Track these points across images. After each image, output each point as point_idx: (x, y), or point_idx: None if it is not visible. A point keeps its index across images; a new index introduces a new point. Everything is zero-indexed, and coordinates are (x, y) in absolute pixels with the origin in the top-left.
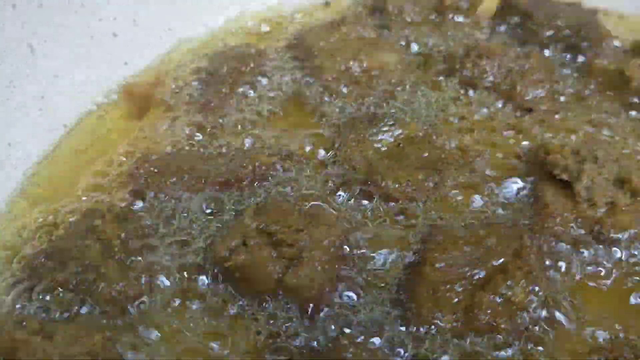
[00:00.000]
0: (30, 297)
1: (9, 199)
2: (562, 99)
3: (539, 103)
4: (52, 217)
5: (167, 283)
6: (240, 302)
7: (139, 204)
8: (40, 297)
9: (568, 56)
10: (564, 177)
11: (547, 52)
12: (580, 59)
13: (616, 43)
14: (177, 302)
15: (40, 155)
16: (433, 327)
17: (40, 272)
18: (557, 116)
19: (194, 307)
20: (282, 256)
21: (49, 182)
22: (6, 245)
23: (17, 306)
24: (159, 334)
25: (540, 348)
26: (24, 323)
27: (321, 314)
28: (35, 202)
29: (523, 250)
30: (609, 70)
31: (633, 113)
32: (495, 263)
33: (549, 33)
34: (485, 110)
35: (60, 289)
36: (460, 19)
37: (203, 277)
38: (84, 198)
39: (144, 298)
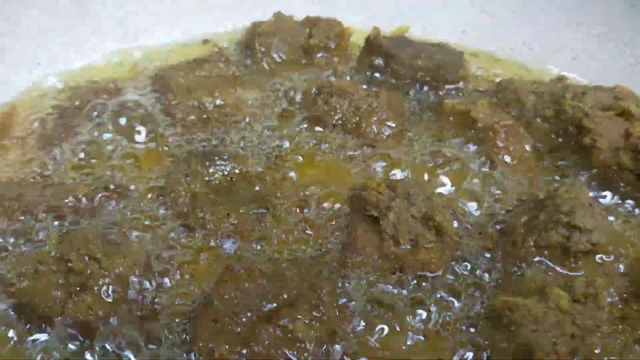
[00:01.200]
0: None
1: None
2: (409, 135)
3: (384, 140)
4: None
5: None
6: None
7: None
8: None
9: (423, 96)
10: (374, 213)
11: (411, 92)
12: (434, 98)
13: (477, 85)
14: None
15: None
16: None
17: None
18: (398, 154)
19: None
20: (69, 283)
21: None
22: None
23: None
24: None
25: None
26: None
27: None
28: None
29: (316, 285)
30: (457, 110)
31: (476, 151)
32: (286, 296)
33: (409, 73)
34: (326, 145)
35: None
36: (326, 60)
37: None
38: None
39: None
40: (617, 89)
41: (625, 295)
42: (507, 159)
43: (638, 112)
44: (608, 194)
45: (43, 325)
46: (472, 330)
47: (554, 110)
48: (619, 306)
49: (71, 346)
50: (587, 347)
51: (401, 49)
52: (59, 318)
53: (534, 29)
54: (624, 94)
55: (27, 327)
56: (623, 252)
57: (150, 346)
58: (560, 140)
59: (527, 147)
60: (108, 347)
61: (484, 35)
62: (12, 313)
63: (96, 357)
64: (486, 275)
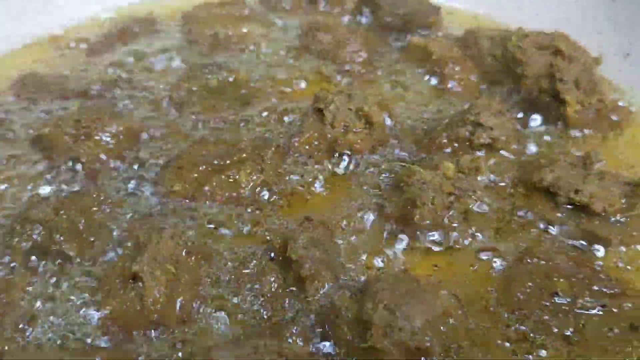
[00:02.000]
0: None
1: None
2: (375, 64)
3: (356, 66)
4: None
5: None
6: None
7: None
8: None
9: (396, 36)
10: (321, 105)
11: (390, 35)
12: (406, 40)
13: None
14: None
15: None
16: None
17: None
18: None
19: None
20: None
21: None
22: None
23: None
24: None
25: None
26: None
27: None
28: None
29: (264, 153)
30: (417, 44)
31: (432, 80)
32: (236, 158)
33: (389, 19)
34: (307, 67)
35: None
36: (327, 8)
37: None
38: None
39: None
40: (556, 33)
41: (515, 180)
42: (453, 84)
43: (567, 51)
44: (537, 117)
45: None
46: (379, 192)
47: (501, 50)
48: (509, 189)
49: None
50: (462, 204)
51: (386, 1)
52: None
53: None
54: (561, 37)
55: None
56: (517, 149)
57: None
58: (502, 74)
59: (473, 78)
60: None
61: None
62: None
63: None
64: (404, 157)
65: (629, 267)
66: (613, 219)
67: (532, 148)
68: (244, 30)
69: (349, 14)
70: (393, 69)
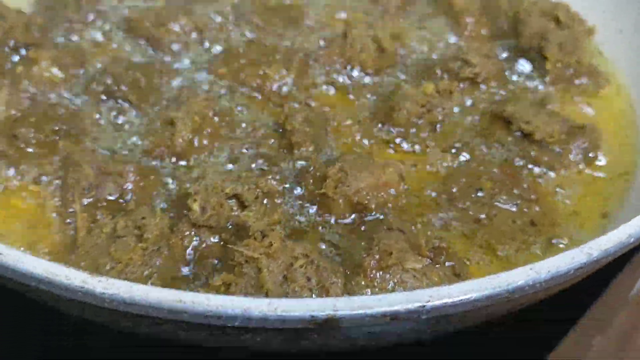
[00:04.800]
0: None
1: None
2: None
3: (392, 8)
4: None
5: None
6: None
7: None
8: None
9: None
10: (346, 30)
11: None
12: None
13: None
14: None
15: None
16: None
17: None
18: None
19: None
20: None
21: None
22: None
23: None
24: None
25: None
26: None
27: None
28: None
29: (293, 58)
30: None
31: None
32: (271, 58)
33: None
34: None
35: None
36: None
37: None
38: None
39: None
40: (560, 4)
41: (484, 109)
42: (467, 33)
43: (563, 19)
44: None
45: None
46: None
47: (513, 12)
48: (476, 116)
49: None
50: (431, 116)
51: None
52: None
53: None
54: (561, 7)
55: None
56: (496, 86)
57: None
58: (509, 31)
59: (484, 31)
60: None
61: None
62: None
63: None
64: (403, 79)
65: (549, 188)
66: (552, 148)
67: (510, 87)
68: None
69: None
70: (422, 13)
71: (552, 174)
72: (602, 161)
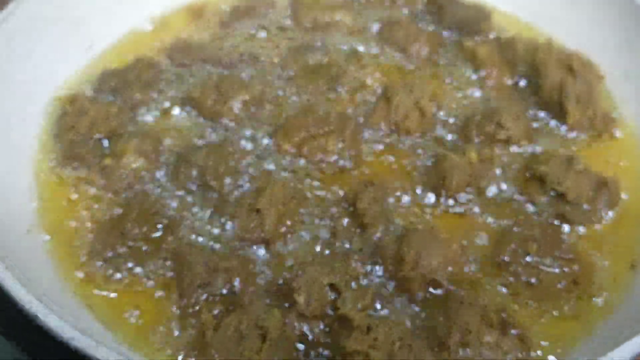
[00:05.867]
0: None
1: None
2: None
3: (420, 61)
4: None
5: None
6: None
7: None
8: None
9: (453, 36)
10: (389, 95)
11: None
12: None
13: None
14: None
15: None
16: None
17: None
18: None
19: None
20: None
21: None
22: None
23: None
24: None
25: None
26: None
27: None
28: None
29: (346, 127)
30: (469, 48)
31: (475, 78)
32: (327, 128)
33: (450, 22)
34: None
35: None
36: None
37: None
38: None
39: None
40: (573, 54)
41: (518, 169)
42: (491, 84)
43: (577, 68)
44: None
45: None
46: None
47: (530, 59)
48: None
49: None
50: (477, 183)
51: (450, 4)
52: None
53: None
54: (575, 57)
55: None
56: (528, 143)
57: None
58: (529, 78)
59: (506, 80)
60: None
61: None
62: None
63: None
64: (444, 141)
65: (585, 245)
66: (581, 205)
67: (537, 148)
68: (337, 18)
69: (418, 12)
70: (449, 64)
71: (582, 230)
72: (625, 209)
